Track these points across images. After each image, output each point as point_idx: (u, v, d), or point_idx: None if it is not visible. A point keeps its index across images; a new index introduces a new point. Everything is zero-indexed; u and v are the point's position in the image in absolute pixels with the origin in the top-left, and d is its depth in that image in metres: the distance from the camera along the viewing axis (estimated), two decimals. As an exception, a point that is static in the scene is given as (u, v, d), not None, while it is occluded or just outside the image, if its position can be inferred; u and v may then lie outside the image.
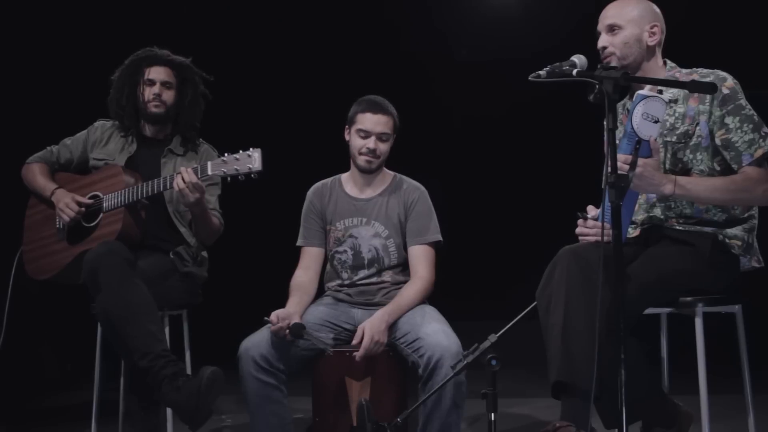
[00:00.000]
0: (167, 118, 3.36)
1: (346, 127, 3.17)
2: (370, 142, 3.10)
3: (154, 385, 2.86)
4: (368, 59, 5.48)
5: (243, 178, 3.04)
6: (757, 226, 2.71)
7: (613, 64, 2.65)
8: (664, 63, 2.77)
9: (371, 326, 2.88)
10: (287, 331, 2.86)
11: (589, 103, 2.41)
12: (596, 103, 2.37)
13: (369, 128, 3.09)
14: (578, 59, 2.45)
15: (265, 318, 2.91)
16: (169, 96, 3.34)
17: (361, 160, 3.13)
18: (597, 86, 2.33)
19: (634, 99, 2.41)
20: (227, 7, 5.36)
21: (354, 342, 2.92)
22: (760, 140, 2.59)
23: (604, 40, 2.71)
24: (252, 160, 3.00)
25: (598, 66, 2.42)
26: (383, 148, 3.13)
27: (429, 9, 5.52)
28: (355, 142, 3.13)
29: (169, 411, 3.17)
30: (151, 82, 3.33)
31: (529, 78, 2.40)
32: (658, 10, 2.74)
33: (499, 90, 5.24)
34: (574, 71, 2.40)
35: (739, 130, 2.59)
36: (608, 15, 2.72)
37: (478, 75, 5.49)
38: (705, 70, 2.69)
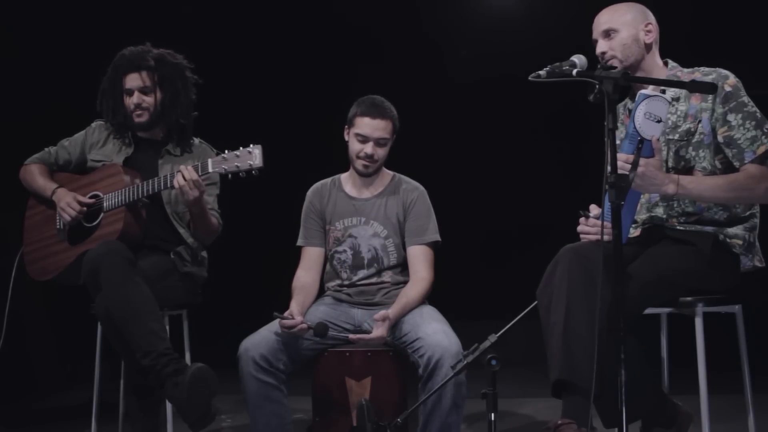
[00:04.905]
0: (154, 123, 3.33)
1: (346, 127, 3.17)
2: (368, 147, 3.10)
3: (157, 383, 2.86)
4: (368, 58, 5.48)
5: (244, 175, 3.04)
6: (758, 225, 2.71)
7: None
8: (666, 63, 2.78)
9: (382, 331, 2.90)
10: (309, 330, 2.89)
11: (590, 102, 2.41)
12: (596, 103, 2.37)
13: (367, 133, 3.09)
14: (578, 59, 2.45)
15: (275, 314, 2.91)
16: (149, 101, 3.28)
17: (359, 164, 3.13)
18: (597, 86, 2.33)
19: (636, 98, 2.41)
20: (227, 4, 5.36)
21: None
22: (763, 137, 2.59)
23: (602, 45, 2.72)
24: (252, 156, 3.00)
25: (598, 66, 2.42)
26: (381, 153, 3.13)
27: (429, 8, 5.52)
28: (353, 145, 3.13)
29: (169, 411, 3.17)
30: (130, 92, 3.28)
31: (529, 78, 2.41)
32: (648, 11, 2.76)
33: (499, 90, 5.24)
34: (574, 71, 2.40)
35: (741, 127, 2.60)
36: (602, 21, 2.75)
37: (477, 74, 5.49)
38: (707, 69, 2.70)
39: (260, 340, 2.91)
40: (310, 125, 5.37)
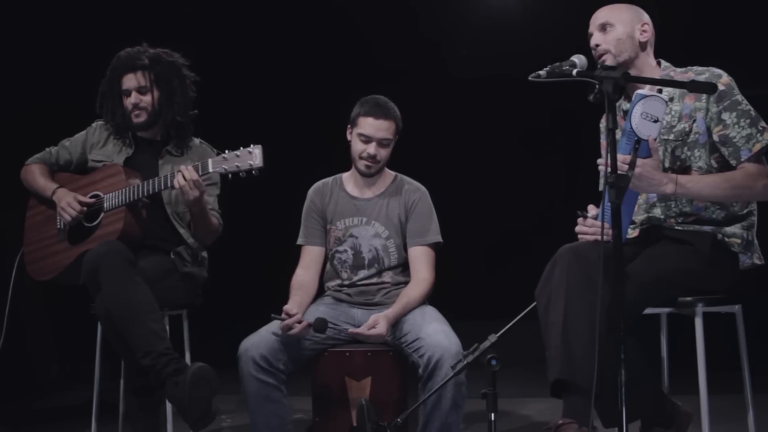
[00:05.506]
0: (152, 122, 3.32)
1: (348, 127, 3.17)
2: (371, 148, 3.10)
3: (157, 383, 2.86)
4: (368, 57, 5.48)
5: (244, 175, 3.04)
6: (756, 223, 2.71)
7: (608, 62, 2.69)
8: (659, 63, 2.79)
9: (382, 329, 2.89)
10: (309, 328, 2.88)
11: (588, 102, 2.41)
12: (596, 103, 2.38)
13: (370, 134, 3.09)
14: (578, 59, 2.46)
15: (273, 315, 2.91)
16: (146, 101, 3.28)
17: (361, 164, 3.13)
18: (597, 86, 2.33)
19: (633, 98, 2.41)
20: (226, 4, 5.36)
21: (362, 329, 2.91)
22: (758, 135, 2.59)
23: (597, 38, 2.74)
24: (253, 156, 3.01)
25: (598, 66, 2.42)
26: (384, 153, 3.13)
27: (429, 9, 5.52)
28: (356, 146, 3.13)
29: (169, 411, 3.17)
30: (127, 93, 3.28)
31: (529, 78, 2.41)
32: (645, 12, 2.78)
33: (498, 90, 5.24)
34: (574, 71, 2.41)
35: (736, 126, 2.60)
36: (600, 16, 2.77)
37: (477, 75, 5.49)
38: (699, 68, 2.71)
39: (260, 340, 2.91)
40: (310, 125, 5.38)
